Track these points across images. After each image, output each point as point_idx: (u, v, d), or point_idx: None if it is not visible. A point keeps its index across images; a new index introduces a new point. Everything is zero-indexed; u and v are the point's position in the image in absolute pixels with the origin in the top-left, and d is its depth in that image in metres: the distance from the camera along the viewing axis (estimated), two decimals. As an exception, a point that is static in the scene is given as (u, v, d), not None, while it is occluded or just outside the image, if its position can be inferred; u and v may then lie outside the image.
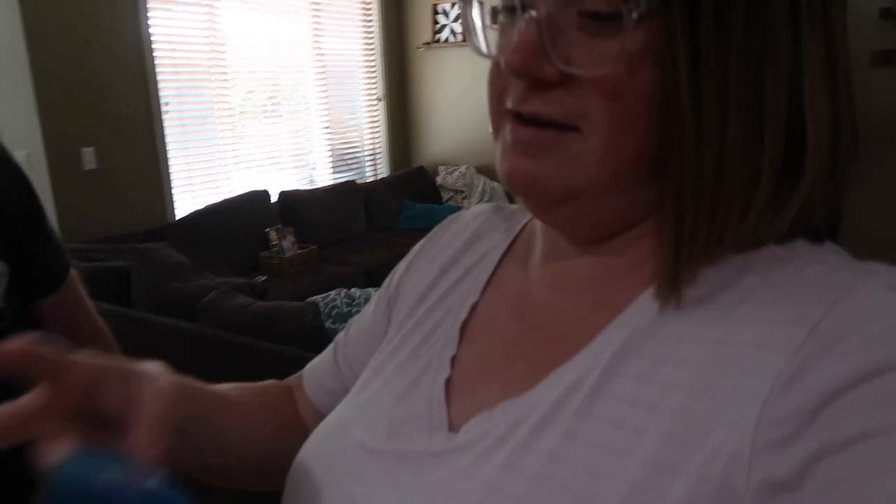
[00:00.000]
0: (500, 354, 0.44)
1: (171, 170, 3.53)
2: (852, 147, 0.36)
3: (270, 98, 4.12)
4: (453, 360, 0.45)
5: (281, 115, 4.21)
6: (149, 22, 3.32)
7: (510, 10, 0.37)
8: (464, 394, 0.43)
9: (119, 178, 3.27)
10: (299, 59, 4.20)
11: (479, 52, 0.40)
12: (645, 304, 0.38)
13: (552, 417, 0.36)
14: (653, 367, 0.35)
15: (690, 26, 0.33)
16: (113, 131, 3.22)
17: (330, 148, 4.47)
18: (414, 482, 0.39)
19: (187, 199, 3.64)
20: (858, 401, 0.28)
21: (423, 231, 0.57)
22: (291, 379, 0.63)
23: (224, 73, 3.84)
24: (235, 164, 3.88)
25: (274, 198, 3.89)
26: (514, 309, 0.45)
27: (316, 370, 0.60)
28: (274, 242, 3.56)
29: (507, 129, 0.38)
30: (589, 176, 0.36)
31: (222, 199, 3.60)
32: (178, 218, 3.49)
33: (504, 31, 0.39)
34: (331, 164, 4.50)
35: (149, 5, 3.31)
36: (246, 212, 3.58)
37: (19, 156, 3.17)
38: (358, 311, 0.61)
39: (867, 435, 0.27)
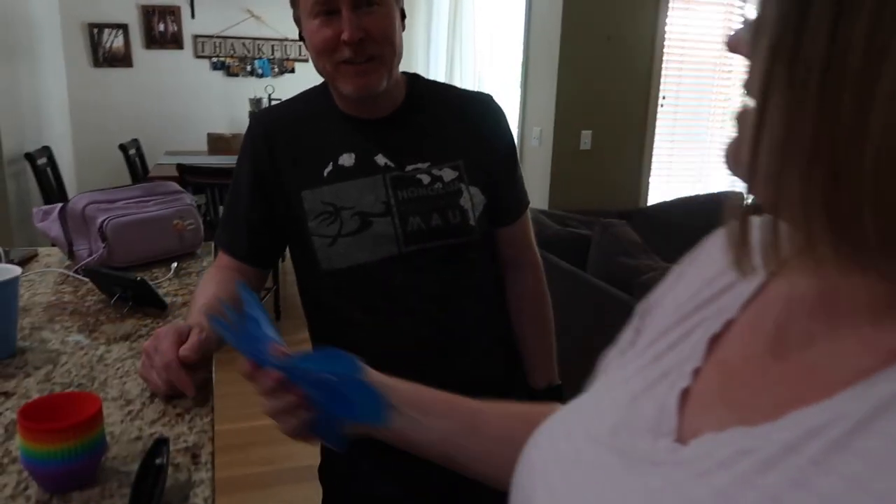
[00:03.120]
0: (747, 380, 0.40)
1: (654, 160, 3.77)
2: None
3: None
4: (696, 371, 0.43)
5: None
6: (666, 20, 3.57)
7: None
8: (698, 408, 0.41)
9: (606, 161, 3.66)
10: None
11: None
12: None
13: (783, 458, 0.32)
14: None
15: None
16: (609, 118, 3.62)
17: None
18: (624, 481, 0.40)
19: (662, 188, 3.83)
20: None
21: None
22: None
23: (729, 71, 3.84)
24: (718, 163, 3.89)
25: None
26: (770, 335, 0.41)
27: None
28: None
29: None
30: None
31: (693, 194, 3.69)
32: (648, 204, 3.73)
33: None
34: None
35: (670, 5, 3.55)
36: (710, 210, 3.58)
37: (535, 131, 3.84)
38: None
39: None
